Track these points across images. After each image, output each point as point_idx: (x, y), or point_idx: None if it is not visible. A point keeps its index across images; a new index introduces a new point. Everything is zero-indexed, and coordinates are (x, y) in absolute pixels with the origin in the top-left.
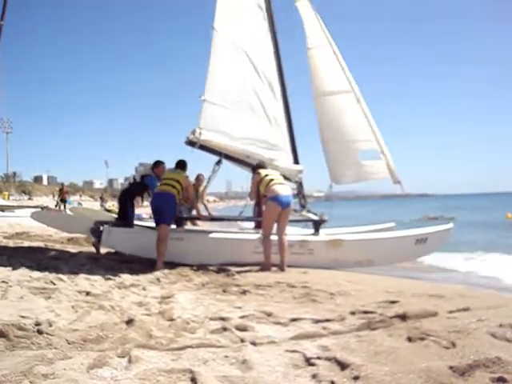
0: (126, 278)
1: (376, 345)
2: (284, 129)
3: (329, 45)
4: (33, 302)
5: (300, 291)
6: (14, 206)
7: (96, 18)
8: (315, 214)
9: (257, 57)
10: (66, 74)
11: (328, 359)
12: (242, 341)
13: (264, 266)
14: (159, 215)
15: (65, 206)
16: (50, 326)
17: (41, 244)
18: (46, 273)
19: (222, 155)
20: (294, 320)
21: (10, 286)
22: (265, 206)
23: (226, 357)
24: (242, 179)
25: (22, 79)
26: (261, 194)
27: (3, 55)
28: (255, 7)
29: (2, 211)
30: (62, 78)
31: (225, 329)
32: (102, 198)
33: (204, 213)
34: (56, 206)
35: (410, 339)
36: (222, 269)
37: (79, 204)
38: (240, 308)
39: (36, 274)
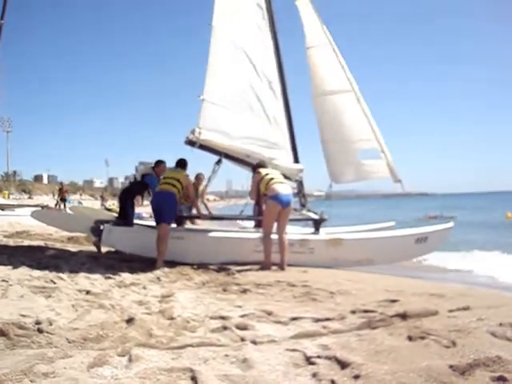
0: (127, 276)
1: (376, 344)
2: (284, 128)
3: (328, 44)
4: (33, 300)
5: (300, 290)
6: (14, 205)
7: (96, 18)
8: (315, 213)
9: (256, 56)
10: (66, 74)
11: (328, 358)
12: (243, 340)
13: (264, 265)
14: (159, 214)
15: (65, 205)
16: (51, 324)
17: (41, 243)
18: (47, 272)
19: (222, 155)
20: (294, 319)
21: (11, 285)
22: (265, 204)
23: (227, 356)
24: (243, 178)
25: (21, 79)
26: (261, 193)
27: (3, 55)
28: (255, 6)
29: (2, 210)
30: (61, 78)
31: (225, 328)
32: (102, 197)
33: (204, 212)
34: (56, 205)
35: (410, 338)
36: (222, 268)
37: (79, 203)
38: (240, 307)
39: (36, 272)
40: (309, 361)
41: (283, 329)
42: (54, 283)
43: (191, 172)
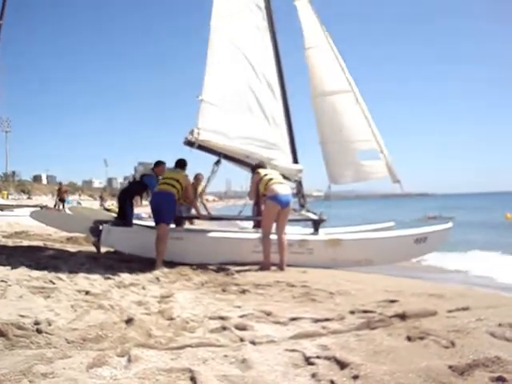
0: (126, 277)
1: (375, 344)
2: (283, 128)
3: (327, 45)
4: (32, 301)
5: (299, 290)
6: (13, 205)
7: (96, 18)
8: (314, 214)
9: (255, 57)
10: (66, 74)
11: (327, 358)
12: (242, 340)
13: (263, 266)
14: (159, 214)
15: (63, 206)
16: (50, 325)
17: (40, 243)
18: (46, 272)
19: (221, 155)
20: (293, 319)
21: (9, 286)
22: (264, 205)
23: (226, 356)
24: (242, 178)
25: (22, 79)
26: (260, 194)
27: (3, 55)
28: (254, 7)
29: (1, 210)
30: (61, 78)
31: (224, 328)
32: (101, 198)
33: (203, 212)
34: (55, 205)
35: (409, 338)
36: (221, 268)
37: (78, 203)
38: (239, 307)
39: (35, 273)
40: (308, 361)
41: (282, 329)
42: (53, 283)
43: (190, 172)
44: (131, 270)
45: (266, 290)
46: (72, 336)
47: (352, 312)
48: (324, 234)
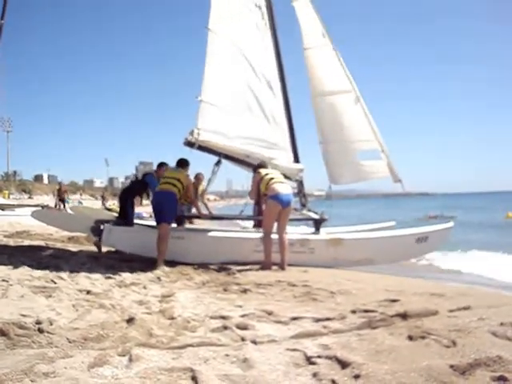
0: (127, 276)
1: (377, 343)
2: (284, 128)
3: (326, 45)
4: (33, 300)
5: (300, 290)
6: (14, 205)
7: (96, 18)
8: (316, 213)
9: (255, 56)
10: (66, 74)
11: (329, 358)
12: (243, 339)
13: (264, 265)
14: (160, 214)
15: (64, 205)
16: (51, 324)
17: (41, 243)
18: (47, 272)
19: (222, 155)
20: (294, 319)
21: (11, 285)
22: (265, 204)
23: (227, 355)
24: (243, 178)
25: (22, 79)
26: (261, 193)
27: (3, 55)
28: (253, 7)
29: (3, 210)
30: (61, 78)
31: (225, 327)
32: (103, 197)
33: (204, 212)
34: (55, 205)
35: (410, 338)
36: (222, 267)
37: (80, 203)
38: (241, 307)
39: (37, 272)
40: (309, 360)
41: (284, 328)
42: (55, 283)
43: (191, 172)
44: (132, 270)
45: (267, 289)
46: (73, 335)
47: (353, 311)
48: (325, 233)
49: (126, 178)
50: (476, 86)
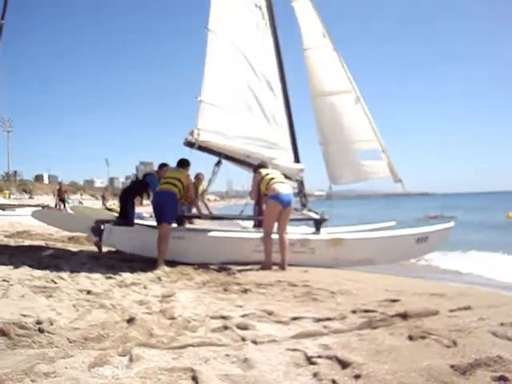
0: (127, 276)
1: (377, 343)
2: (284, 128)
3: (326, 45)
4: (34, 300)
5: (301, 290)
6: (14, 205)
7: (96, 18)
8: (316, 213)
9: (254, 56)
10: (66, 74)
11: (329, 358)
12: (243, 339)
13: (265, 265)
14: (160, 214)
15: (64, 205)
16: (51, 324)
17: (42, 243)
18: (47, 271)
19: (222, 156)
20: (294, 319)
21: (11, 285)
22: (265, 204)
23: (227, 355)
24: (243, 178)
25: (21, 79)
26: (262, 193)
27: (3, 55)
28: (253, 7)
29: (3, 210)
30: (61, 78)
31: (226, 327)
32: (103, 197)
33: (205, 212)
34: (55, 206)
35: (411, 338)
36: (223, 267)
37: (80, 203)
38: (241, 307)
39: (37, 272)
40: (310, 360)
41: (284, 328)
42: (55, 283)
43: (191, 172)
44: (133, 270)
45: (267, 289)
46: (74, 335)
47: (353, 311)
48: (325, 233)
49: (127, 178)
50: (476, 85)
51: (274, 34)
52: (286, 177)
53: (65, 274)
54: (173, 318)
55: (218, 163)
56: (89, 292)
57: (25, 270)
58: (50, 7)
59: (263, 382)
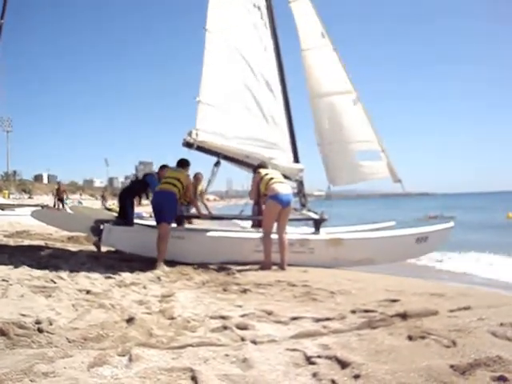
0: (127, 276)
1: (376, 343)
2: (284, 128)
3: (326, 45)
4: (33, 300)
5: (300, 290)
6: (14, 205)
7: (96, 18)
8: (316, 213)
9: (253, 56)
10: (66, 74)
11: (328, 358)
12: (243, 339)
13: (264, 265)
14: (160, 213)
15: (63, 205)
16: (51, 324)
17: (41, 243)
18: (47, 271)
19: (221, 156)
20: (294, 319)
21: (11, 285)
22: (265, 204)
23: (227, 355)
24: (243, 178)
25: (22, 79)
26: (261, 194)
27: (3, 55)
28: (251, 7)
29: (3, 210)
30: (61, 78)
31: (225, 327)
32: (103, 197)
33: (204, 212)
34: (54, 205)
35: (410, 338)
36: (222, 267)
37: (79, 203)
38: (240, 307)
39: (36, 272)
40: (309, 360)
41: (283, 328)
42: (54, 283)
43: (190, 173)
44: (132, 270)
45: (267, 289)
46: (73, 335)
47: (353, 311)
48: (325, 233)
49: (126, 177)
50: (476, 85)
51: (273, 35)
52: (286, 177)
53: (64, 274)
54: (172, 318)
55: (217, 163)
56: (88, 292)
57: (24, 270)
58: (50, 7)
59: (262, 382)
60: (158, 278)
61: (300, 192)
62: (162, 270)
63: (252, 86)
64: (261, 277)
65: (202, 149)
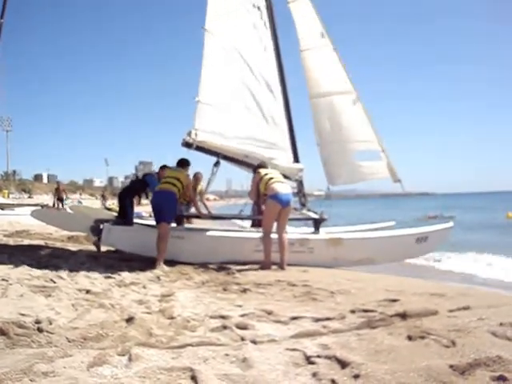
0: (126, 276)
1: (376, 343)
2: (284, 127)
3: (325, 45)
4: (33, 300)
5: (300, 290)
6: (13, 205)
7: (96, 18)
8: (315, 213)
9: (252, 56)
10: (66, 74)
11: (328, 358)
12: (243, 339)
13: (264, 265)
14: (160, 213)
15: (62, 205)
16: (50, 324)
17: (41, 242)
18: (46, 271)
19: (220, 156)
20: (294, 318)
21: (10, 284)
22: (265, 204)
23: (227, 355)
24: (242, 178)
25: (22, 79)
26: (261, 194)
27: (3, 55)
28: (250, 7)
29: (2, 209)
30: (61, 78)
31: (225, 327)
32: (103, 196)
33: (203, 211)
34: (53, 205)
35: (410, 338)
36: (222, 267)
37: (79, 202)
38: (240, 306)
39: (36, 272)
40: (309, 360)
41: (283, 328)
42: (54, 282)
43: (190, 173)
44: (132, 269)
45: (266, 289)
46: (73, 335)
47: (353, 311)
48: (325, 233)
49: (126, 177)
50: (476, 85)
51: (273, 35)
52: (286, 177)
53: (64, 274)
54: (172, 318)
55: (217, 163)
56: (88, 291)
57: (24, 270)
58: (50, 7)
59: (262, 382)
60: (158, 277)
61: (300, 192)
62: (162, 269)
63: (251, 86)
64: (261, 276)
65: (201, 149)
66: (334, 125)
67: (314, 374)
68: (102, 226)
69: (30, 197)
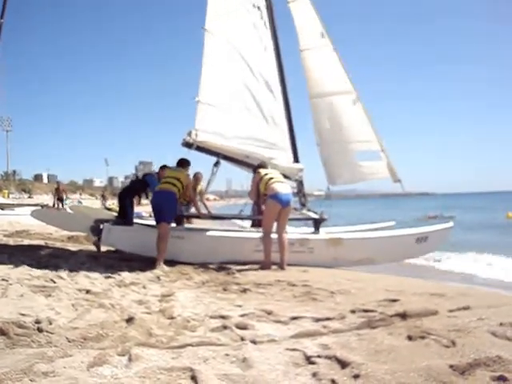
0: (126, 276)
1: (376, 343)
2: (284, 127)
3: (325, 45)
4: (33, 300)
5: (300, 290)
6: (13, 205)
7: (96, 18)
8: (315, 213)
9: (253, 56)
10: (66, 74)
11: (328, 358)
12: (243, 339)
13: (264, 265)
14: (160, 213)
15: (62, 205)
16: (50, 324)
17: (41, 242)
18: (46, 271)
19: (220, 156)
20: (294, 318)
21: (10, 284)
22: (265, 204)
23: (227, 355)
24: (242, 178)
25: (22, 79)
26: (261, 194)
27: (3, 55)
28: (250, 7)
29: (2, 209)
30: (61, 78)
31: (225, 327)
32: (103, 196)
33: (203, 211)
34: (53, 205)
35: (410, 338)
36: (222, 267)
37: (79, 202)
38: (240, 306)
39: (36, 272)
40: (309, 360)
41: (283, 328)
42: (54, 282)
43: (190, 172)
44: (132, 269)
45: (266, 289)
46: (73, 335)
47: (353, 311)
48: (325, 233)
49: (126, 177)
50: (476, 85)
51: (273, 35)
52: (286, 177)
53: (64, 274)
54: (172, 318)
55: (217, 163)
56: (88, 291)
57: (24, 270)
58: (50, 7)
59: (262, 382)
60: (158, 277)
61: (300, 192)
62: (162, 269)
63: (252, 86)
64: (261, 276)
65: (201, 149)
66: (334, 125)
67: (314, 374)
68: (102, 226)
69: (30, 197)
